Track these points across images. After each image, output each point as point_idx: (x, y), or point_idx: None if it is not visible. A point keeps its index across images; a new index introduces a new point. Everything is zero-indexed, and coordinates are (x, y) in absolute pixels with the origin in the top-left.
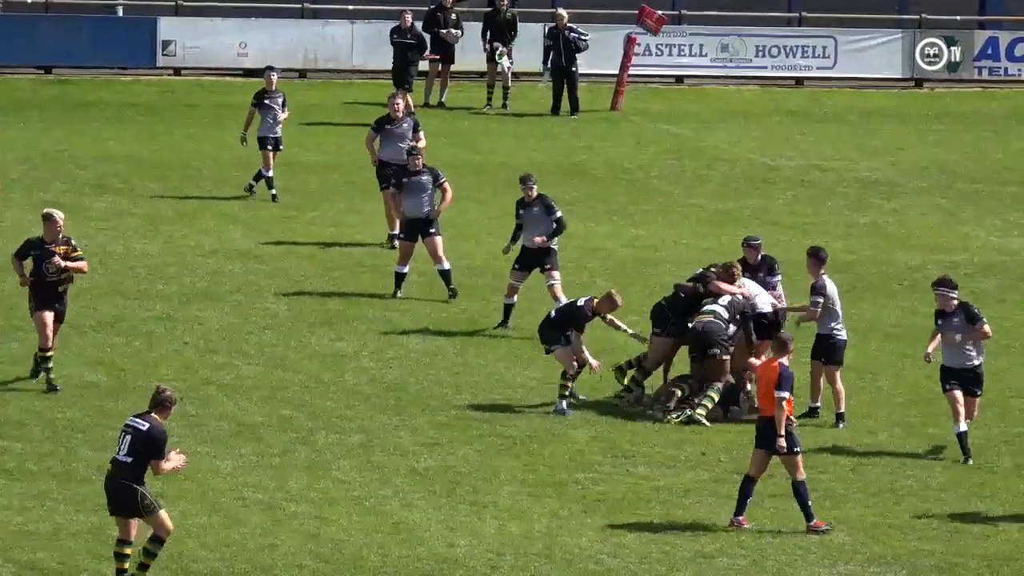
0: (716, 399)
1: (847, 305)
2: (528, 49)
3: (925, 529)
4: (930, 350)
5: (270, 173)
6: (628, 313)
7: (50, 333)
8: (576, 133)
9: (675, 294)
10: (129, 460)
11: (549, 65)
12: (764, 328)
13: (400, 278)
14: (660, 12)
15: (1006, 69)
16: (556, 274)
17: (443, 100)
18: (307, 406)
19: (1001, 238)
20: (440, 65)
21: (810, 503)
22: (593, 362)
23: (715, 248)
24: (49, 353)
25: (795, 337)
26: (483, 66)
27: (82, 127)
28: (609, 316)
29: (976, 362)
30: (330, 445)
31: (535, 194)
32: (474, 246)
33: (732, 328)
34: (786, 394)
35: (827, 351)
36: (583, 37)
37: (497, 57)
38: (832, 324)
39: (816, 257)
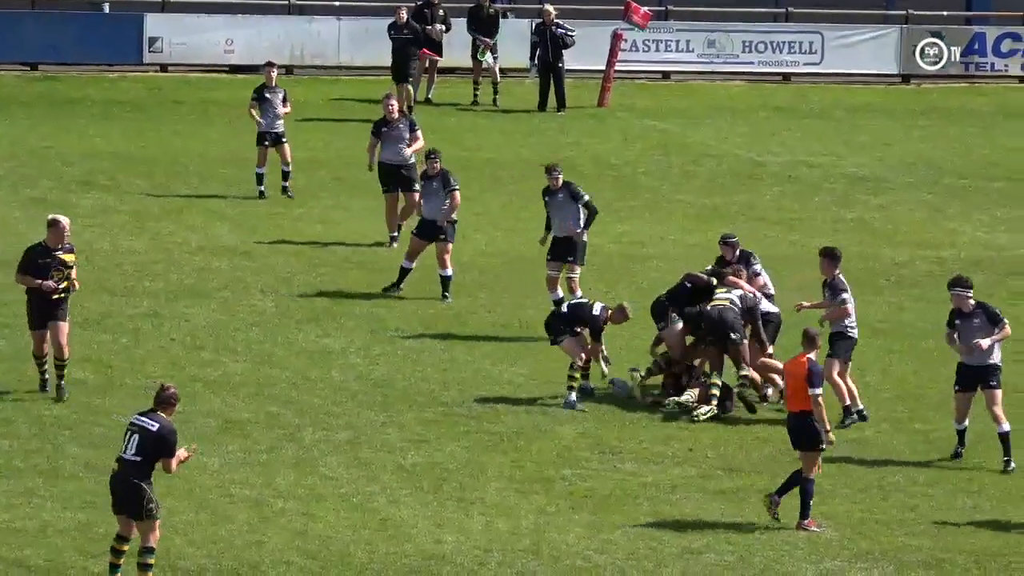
0: (718, 391)
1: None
2: (515, 45)
3: (912, 525)
4: (960, 355)
5: (263, 170)
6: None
7: (64, 341)
8: (563, 129)
9: (679, 284)
10: (138, 459)
11: (536, 61)
12: (764, 328)
13: (404, 273)
14: (646, 8)
15: (992, 65)
16: (578, 269)
17: (430, 96)
18: (294, 403)
19: (988, 233)
20: (427, 61)
21: (811, 503)
22: (604, 367)
23: (702, 244)
24: (64, 360)
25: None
26: (469, 62)
27: (68, 124)
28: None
29: (995, 359)
30: (317, 442)
31: (560, 183)
32: (461, 242)
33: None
34: (819, 390)
35: (839, 347)
36: (570, 33)
37: (480, 55)
38: (846, 321)
39: (832, 257)
